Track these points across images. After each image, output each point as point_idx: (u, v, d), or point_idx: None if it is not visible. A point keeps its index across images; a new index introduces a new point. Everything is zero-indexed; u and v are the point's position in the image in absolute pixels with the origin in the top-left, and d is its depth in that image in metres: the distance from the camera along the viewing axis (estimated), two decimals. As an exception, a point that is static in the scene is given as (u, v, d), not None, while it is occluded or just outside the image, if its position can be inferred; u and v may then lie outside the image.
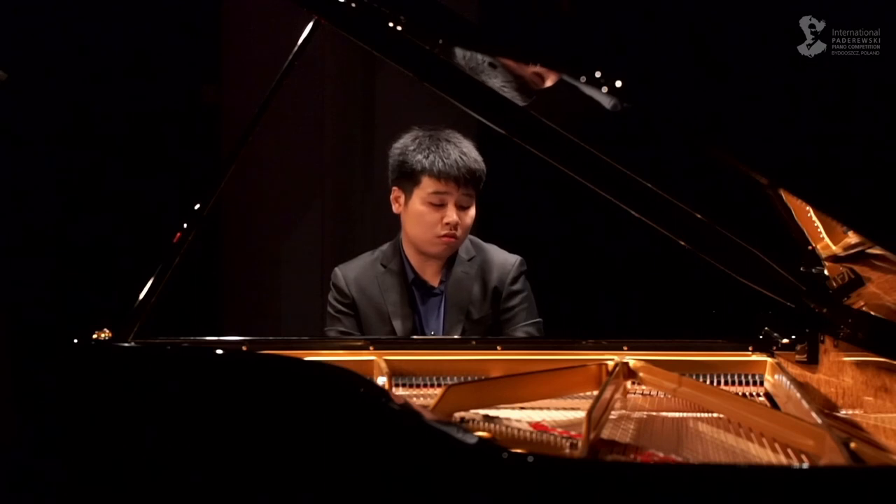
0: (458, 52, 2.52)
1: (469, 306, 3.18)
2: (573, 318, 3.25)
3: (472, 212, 3.14)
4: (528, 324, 3.20)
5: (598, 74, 2.20)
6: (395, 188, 3.18)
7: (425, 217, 3.10)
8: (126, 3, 4.63)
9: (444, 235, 3.09)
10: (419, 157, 3.10)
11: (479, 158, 3.13)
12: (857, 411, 2.35)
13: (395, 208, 3.19)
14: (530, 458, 1.74)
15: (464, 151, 3.10)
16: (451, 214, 3.08)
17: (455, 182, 3.07)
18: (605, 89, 2.21)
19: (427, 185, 3.09)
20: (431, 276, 3.21)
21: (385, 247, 3.27)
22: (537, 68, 2.38)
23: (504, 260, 3.24)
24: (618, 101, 2.26)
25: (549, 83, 2.41)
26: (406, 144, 3.15)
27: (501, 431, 2.14)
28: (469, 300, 3.18)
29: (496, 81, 2.50)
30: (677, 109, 2.23)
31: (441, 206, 3.08)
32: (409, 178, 3.12)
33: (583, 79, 2.23)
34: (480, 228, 4.62)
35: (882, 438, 2.16)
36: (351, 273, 3.23)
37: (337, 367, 2.14)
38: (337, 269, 3.26)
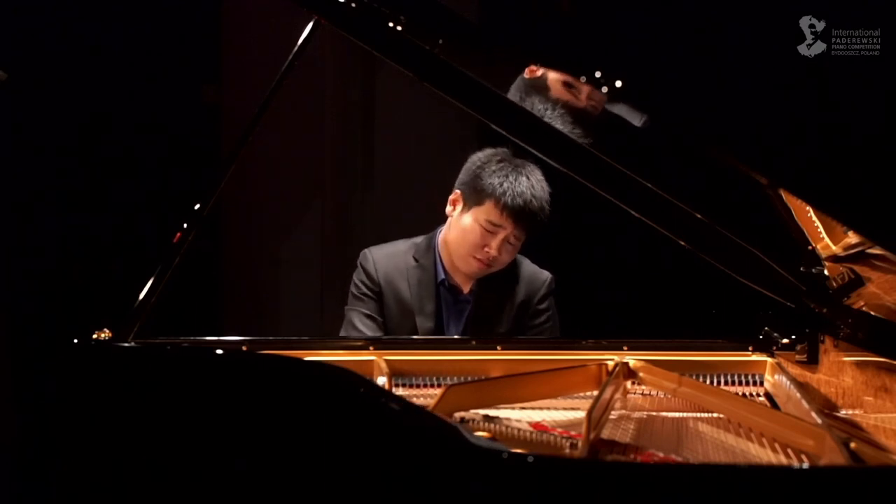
0: (460, 52, 2.52)
1: (495, 319, 3.12)
2: (573, 318, 3.25)
3: (515, 252, 3.08)
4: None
5: (597, 74, 2.20)
6: (458, 192, 3.10)
7: (470, 236, 3.04)
8: (126, 3, 4.62)
9: (479, 259, 3.04)
10: (495, 180, 3.00)
11: (546, 205, 3.05)
12: (857, 411, 2.35)
13: (448, 210, 3.12)
14: (530, 458, 1.74)
15: (535, 194, 3.01)
16: (495, 247, 3.01)
17: (514, 220, 3.00)
18: (604, 89, 2.21)
19: (488, 211, 3.01)
20: (462, 280, 3.15)
21: (420, 240, 3.20)
22: (537, 68, 2.38)
23: (534, 276, 3.18)
24: (618, 102, 2.26)
25: (548, 84, 2.41)
26: (488, 160, 3.06)
27: (501, 431, 2.14)
28: (496, 312, 3.13)
29: (497, 81, 2.50)
30: (677, 109, 2.23)
31: (490, 233, 3.02)
32: (475, 192, 3.03)
33: (582, 79, 2.23)
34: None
35: (882, 438, 2.16)
36: (381, 259, 3.16)
37: (337, 367, 2.14)
38: (367, 252, 3.19)
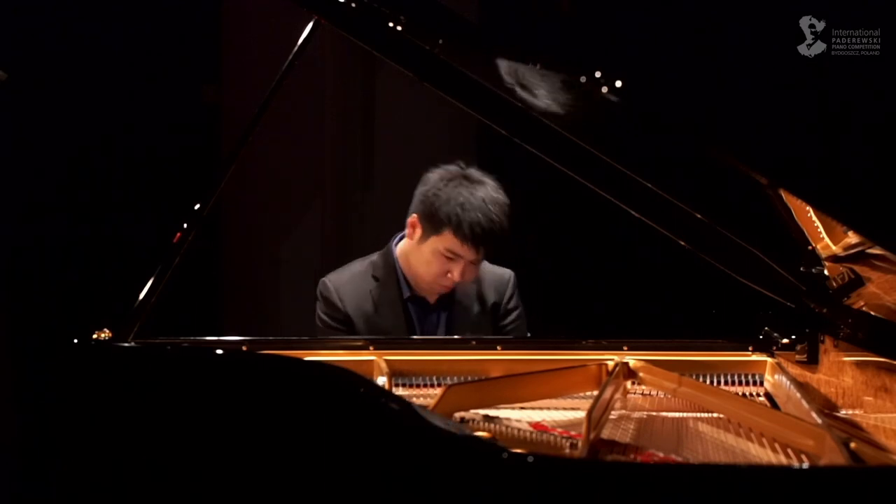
0: (460, 52, 2.52)
1: (472, 326, 3.10)
2: (574, 318, 3.25)
3: (477, 270, 3.04)
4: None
5: (598, 74, 2.20)
6: (416, 216, 3.02)
7: (432, 266, 2.99)
8: (126, 3, 4.63)
9: (444, 285, 3.02)
10: (450, 209, 2.92)
11: (504, 218, 2.96)
12: (857, 411, 2.35)
13: (408, 233, 3.05)
14: (530, 458, 1.74)
15: (491, 217, 2.92)
16: (457, 273, 2.97)
17: (474, 248, 2.94)
18: (605, 89, 2.21)
19: (446, 240, 2.94)
20: (428, 293, 3.11)
21: (375, 257, 3.15)
22: (537, 68, 2.38)
23: (498, 276, 3.18)
24: (618, 101, 2.26)
25: (548, 83, 2.41)
26: (438, 186, 2.98)
27: (501, 431, 2.14)
28: (472, 319, 3.11)
29: (497, 81, 2.49)
30: (677, 109, 2.23)
31: (451, 260, 2.96)
32: (432, 221, 2.96)
33: (583, 79, 2.23)
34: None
35: (882, 438, 2.16)
36: (343, 286, 3.10)
37: (337, 367, 2.14)
38: (327, 281, 3.11)
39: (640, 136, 2.45)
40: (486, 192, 2.97)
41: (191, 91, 4.90)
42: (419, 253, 3.03)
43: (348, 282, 3.11)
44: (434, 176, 3.02)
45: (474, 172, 3.03)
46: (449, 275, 2.98)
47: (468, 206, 2.93)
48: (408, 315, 3.11)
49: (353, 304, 3.08)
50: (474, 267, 3.02)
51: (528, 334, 3.21)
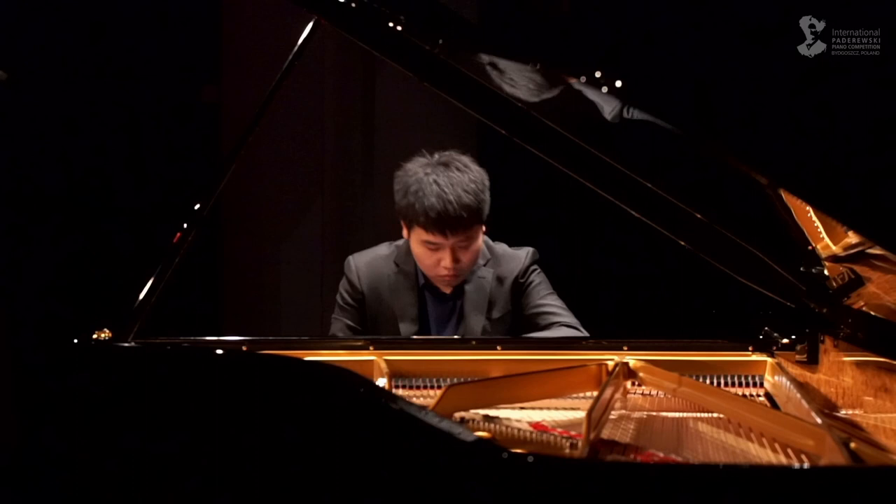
0: (460, 52, 2.52)
1: (489, 307, 3.10)
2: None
3: (476, 245, 3.01)
4: (546, 294, 3.13)
5: (598, 74, 2.20)
6: (400, 217, 3.06)
7: (423, 259, 3.02)
8: (126, 4, 4.63)
9: (443, 275, 3.01)
10: (408, 201, 2.95)
11: (473, 196, 2.92)
12: (857, 411, 2.35)
13: (404, 234, 3.08)
14: (530, 458, 1.74)
15: (450, 199, 2.88)
16: (447, 260, 2.97)
17: (443, 234, 2.93)
18: (605, 89, 2.21)
19: (419, 232, 2.97)
20: (441, 284, 3.10)
21: (401, 242, 3.15)
22: (537, 68, 2.38)
23: (515, 255, 3.16)
24: (618, 101, 2.26)
25: (549, 84, 2.41)
26: (404, 181, 2.98)
27: (501, 431, 2.14)
28: (488, 300, 3.10)
29: (497, 81, 2.49)
30: (677, 110, 2.23)
31: (434, 251, 2.98)
32: (404, 217, 3.01)
33: (583, 79, 2.23)
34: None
35: (882, 438, 2.16)
36: (364, 266, 3.14)
37: (337, 367, 2.14)
38: (351, 260, 3.17)
39: (640, 136, 2.45)
40: (442, 176, 2.93)
41: (191, 91, 4.90)
42: (414, 248, 3.06)
43: (370, 263, 3.16)
44: (400, 172, 3.04)
45: (442, 156, 3.02)
46: (441, 264, 2.98)
47: (421, 193, 2.93)
48: (422, 301, 3.12)
49: (370, 286, 3.13)
50: (465, 250, 2.99)
51: (552, 291, 3.16)
